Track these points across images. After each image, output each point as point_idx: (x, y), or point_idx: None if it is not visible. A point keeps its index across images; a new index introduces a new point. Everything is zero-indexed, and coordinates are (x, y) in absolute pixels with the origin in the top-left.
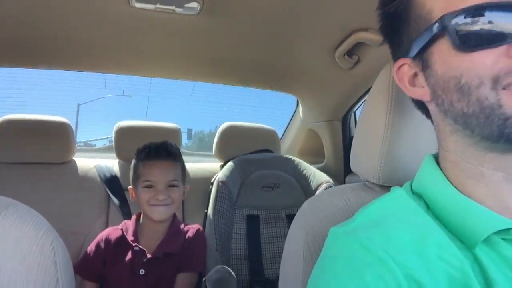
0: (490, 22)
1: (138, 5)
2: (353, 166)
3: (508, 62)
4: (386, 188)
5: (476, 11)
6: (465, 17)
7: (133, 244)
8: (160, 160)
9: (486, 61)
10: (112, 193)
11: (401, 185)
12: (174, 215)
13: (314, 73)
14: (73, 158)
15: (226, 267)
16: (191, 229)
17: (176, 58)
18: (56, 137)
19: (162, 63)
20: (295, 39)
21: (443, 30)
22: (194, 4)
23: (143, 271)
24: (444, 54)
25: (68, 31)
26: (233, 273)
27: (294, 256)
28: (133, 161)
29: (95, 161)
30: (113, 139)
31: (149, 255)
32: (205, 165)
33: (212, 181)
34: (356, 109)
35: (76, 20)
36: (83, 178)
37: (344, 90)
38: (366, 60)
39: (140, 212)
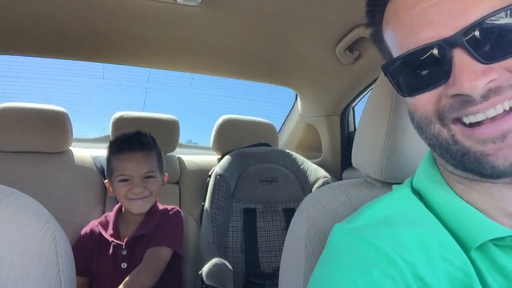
0: (422, 66)
1: None
2: (354, 161)
3: (447, 101)
4: (387, 184)
5: (406, 59)
6: (398, 66)
7: (110, 240)
8: (133, 152)
9: (428, 103)
10: None
11: (402, 182)
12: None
13: (314, 68)
14: (70, 148)
15: (223, 260)
16: (166, 209)
17: (175, 49)
18: (53, 126)
19: (162, 54)
20: (297, 33)
21: (387, 76)
22: None
23: (125, 264)
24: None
25: (68, 19)
26: (229, 266)
27: (295, 250)
28: (106, 155)
29: (92, 151)
30: (110, 129)
31: (124, 242)
32: (203, 158)
33: (209, 174)
34: (355, 105)
35: (76, 10)
36: (79, 168)
37: (344, 85)
38: (367, 55)
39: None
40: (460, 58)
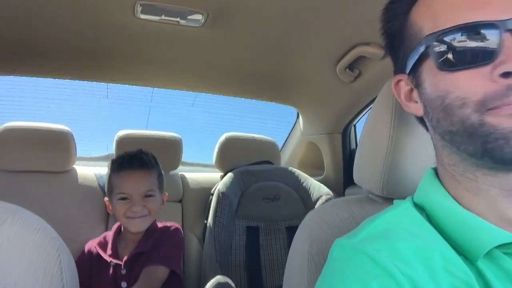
0: (471, 41)
1: (143, 16)
2: (356, 177)
3: (492, 86)
4: (389, 200)
5: (458, 31)
6: (448, 37)
7: (109, 260)
8: (133, 170)
9: (469, 83)
10: None
11: (403, 198)
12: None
13: (315, 86)
14: (74, 166)
15: (226, 277)
16: (165, 227)
17: (178, 69)
18: (57, 146)
19: (165, 74)
20: (297, 52)
21: (427, 50)
22: (198, 16)
23: (125, 283)
24: (431, 73)
25: (73, 40)
26: (232, 284)
27: (298, 266)
28: (108, 172)
29: (95, 169)
30: (114, 148)
31: (123, 262)
32: (205, 175)
33: (212, 191)
34: (356, 122)
35: (81, 30)
36: (83, 186)
37: (345, 103)
38: (367, 74)
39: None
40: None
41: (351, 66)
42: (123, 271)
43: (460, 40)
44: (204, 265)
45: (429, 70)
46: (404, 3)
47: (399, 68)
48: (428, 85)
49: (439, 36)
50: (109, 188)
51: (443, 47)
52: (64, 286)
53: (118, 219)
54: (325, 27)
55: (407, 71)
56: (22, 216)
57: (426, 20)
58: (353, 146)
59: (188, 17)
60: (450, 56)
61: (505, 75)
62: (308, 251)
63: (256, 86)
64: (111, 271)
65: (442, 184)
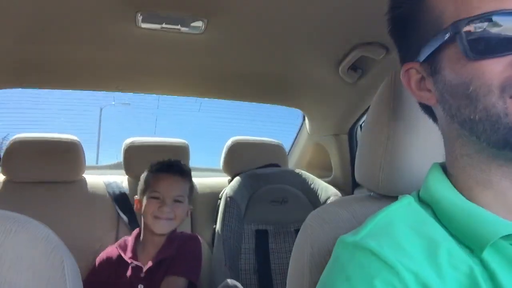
0: (501, 30)
1: (144, 25)
2: (357, 176)
3: None
4: (391, 198)
5: (487, 19)
6: (476, 25)
7: (129, 262)
8: (170, 174)
9: (495, 69)
10: (121, 210)
11: (404, 194)
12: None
13: (319, 87)
14: (83, 175)
15: (235, 281)
16: (186, 235)
17: (182, 75)
18: (66, 156)
19: (169, 81)
20: (300, 54)
21: (454, 36)
22: (199, 23)
23: (142, 286)
24: (453, 60)
25: (76, 51)
26: None
27: (299, 267)
28: (145, 173)
29: (105, 177)
30: (122, 156)
31: (146, 267)
32: (213, 180)
33: (220, 196)
34: (362, 122)
35: (84, 40)
36: (93, 195)
37: (350, 103)
38: (370, 73)
39: (140, 228)
40: None
41: (353, 66)
42: (142, 274)
43: (489, 28)
44: (214, 270)
45: (451, 57)
46: None
47: (409, 56)
48: (449, 72)
49: (468, 23)
50: (144, 187)
51: (472, 35)
52: None
53: (145, 217)
54: (326, 27)
55: (421, 59)
56: (27, 225)
57: (448, 5)
58: None
59: (189, 25)
60: (478, 44)
61: None
62: (309, 252)
63: (261, 90)
64: (129, 272)
65: (449, 177)
